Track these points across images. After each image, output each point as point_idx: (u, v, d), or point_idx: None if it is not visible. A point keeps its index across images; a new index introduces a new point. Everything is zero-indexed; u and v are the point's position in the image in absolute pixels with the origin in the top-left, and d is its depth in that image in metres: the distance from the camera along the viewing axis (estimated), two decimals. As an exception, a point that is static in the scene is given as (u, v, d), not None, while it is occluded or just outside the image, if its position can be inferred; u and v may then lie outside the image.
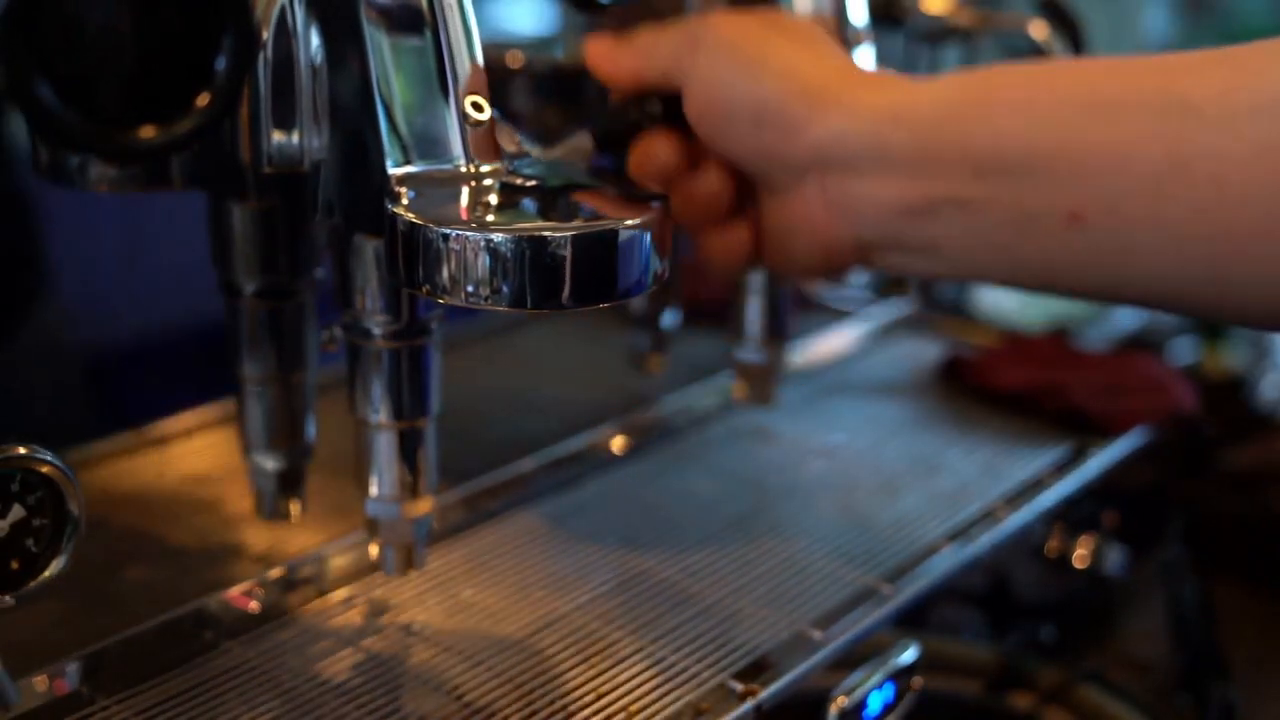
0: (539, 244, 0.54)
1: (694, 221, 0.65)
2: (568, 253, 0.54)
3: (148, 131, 0.50)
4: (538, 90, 0.88)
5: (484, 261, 0.54)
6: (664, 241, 0.58)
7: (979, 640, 0.92)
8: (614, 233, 0.55)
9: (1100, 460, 0.94)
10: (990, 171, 0.56)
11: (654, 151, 0.64)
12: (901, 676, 0.74)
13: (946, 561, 0.81)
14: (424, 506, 0.68)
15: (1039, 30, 1.05)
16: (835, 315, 1.17)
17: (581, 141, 0.66)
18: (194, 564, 0.77)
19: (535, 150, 0.63)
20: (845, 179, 0.59)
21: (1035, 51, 1.06)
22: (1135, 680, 0.90)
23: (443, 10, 0.60)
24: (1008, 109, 0.56)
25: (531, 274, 0.54)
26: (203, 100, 0.50)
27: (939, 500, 0.87)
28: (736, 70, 0.60)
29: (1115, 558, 0.96)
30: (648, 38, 0.65)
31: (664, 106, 0.65)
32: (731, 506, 0.86)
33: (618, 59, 0.65)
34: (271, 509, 0.72)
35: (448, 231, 0.54)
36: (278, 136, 0.60)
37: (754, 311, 0.89)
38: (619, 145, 0.66)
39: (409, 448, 0.66)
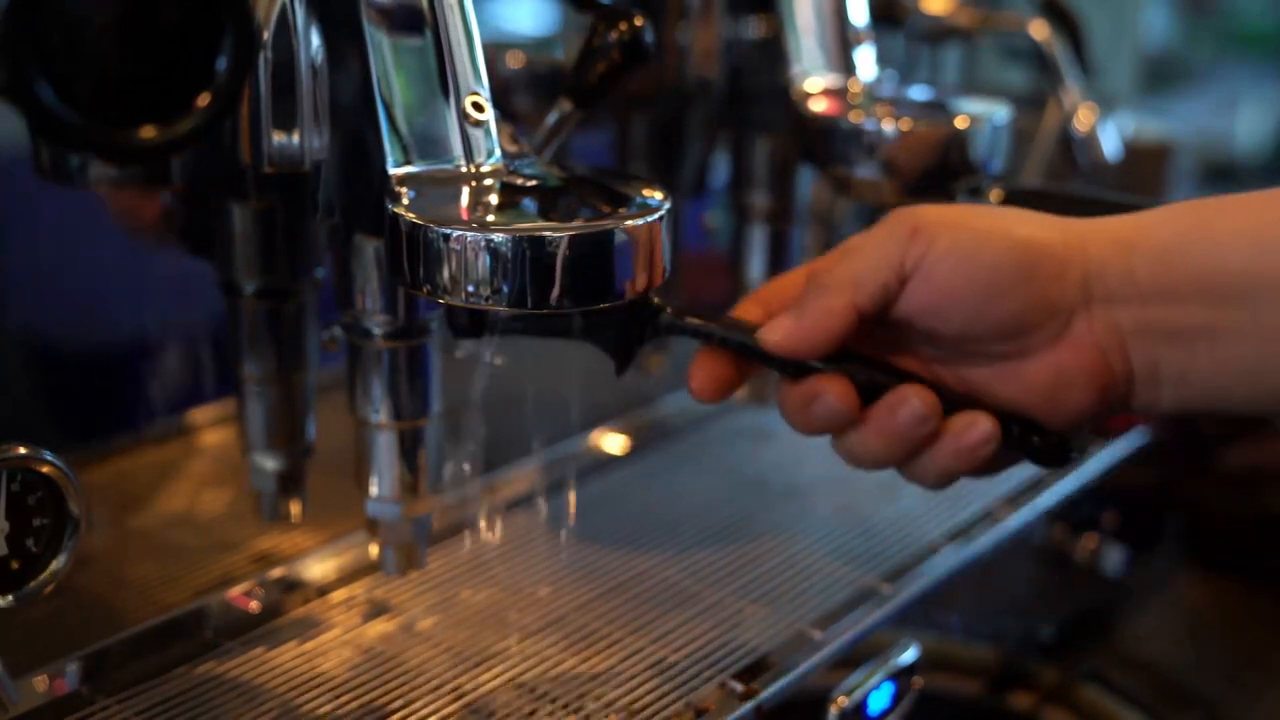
0: (539, 244, 0.54)
1: (903, 445, 0.59)
2: (568, 253, 0.54)
3: (148, 131, 0.50)
4: (537, 90, 0.88)
5: (484, 261, 0.54)
6: (664, 241, 0.58)
7: (979, 640, 0.92)
8: (614, 233, 0.55)
9: (1100, 460, 0.94)
10: (1226, 298, 0.56)
11: (827, 401, 0.59)
12: (901, 676, 0.74)
13: (946, 561, 0.81)
14: (424, 506, 0.68)
15: (1039, 30, 1.05)
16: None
17: (561, 106, 0.66)
18: (194, 564, 0.77)
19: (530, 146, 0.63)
20: (1109, 311, 0.57)
21: (1035, 51, 1.06)
22: (1135, 680, 0.90)
23: (443, 10, 0.60)
24: (1231, 234, 0.56)
25: (531, 274, 0.54)
26: (203, 100, 0.50)
27: (939, 500, 0.87)
28: (983, 238, 0.57)
29: (1115, 558, 0.96)
30: (836, 273, 0.59)
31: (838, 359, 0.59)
32: (731, 506, 0.86)
33: (814, 308, 0.59)
34: (271, 509, 0.72)
35: (448, 231, 0.54)
36: (278, 136, 0.60)
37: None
38: (596, 98, 0.65)
39: (409, 448, 0.66)
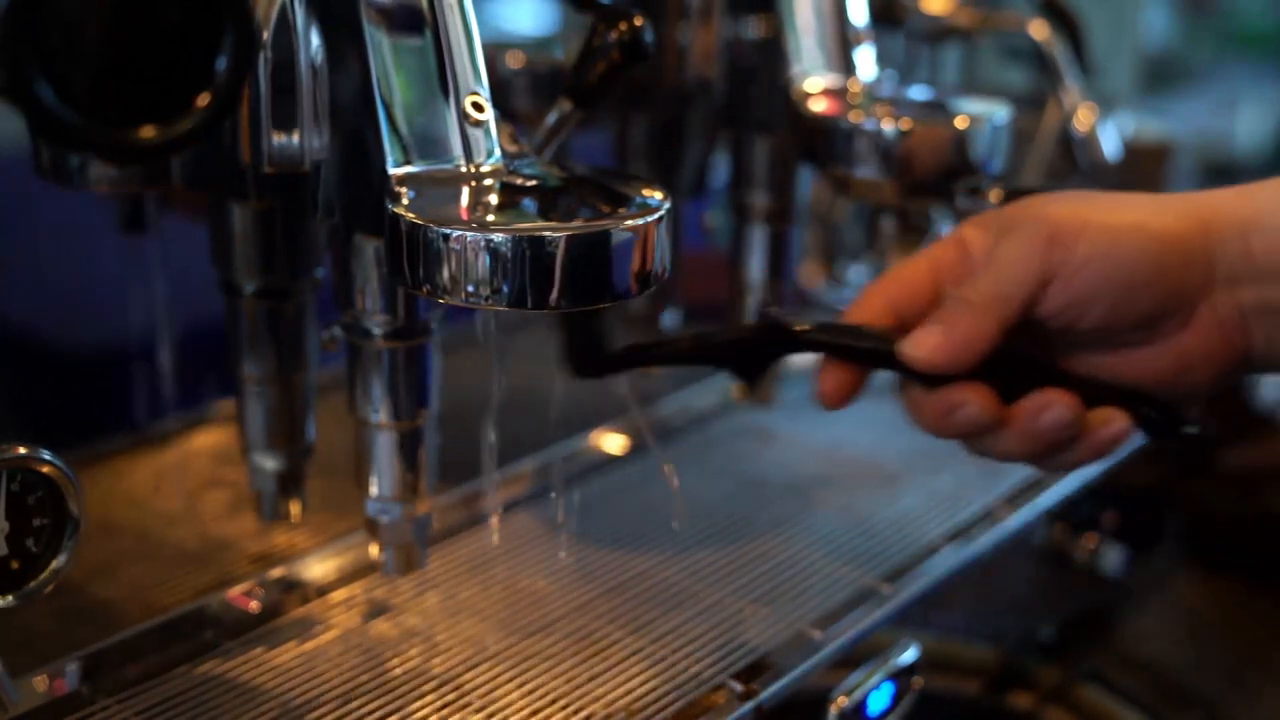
0: (538, 244, 0.54)
1: (1045, 447, 0.60)
2: (567, 253, 0.54)
3: (148, 131, 0.50)
4: (537, 90, 0.88)
5: (484, 261, 0.54)
6: (664, 241, 0.58)
7: (979, 640, 0.92)
8: (613, 233, 0.55)
9: (1100, 460, 0.94)
10: None
11: (969, 411, 0.59)
12: (901, 676, 0.74)
13: (946, 561, 0.81)
14: (424, 506, 0.68)
15: (1039, 30, 1.05)
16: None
17: (561, 106, 0.66)
18: (194, 564, 0.77)
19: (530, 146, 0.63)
20: (1232, 292, 0.58)
21: (1035, 51, 1.06)
22: (1135, 680, 0.90)
23: (443, 10, 0.60)
24: None
25: (531, 274, 0.54)
26: (203, 100, 0.50)
27: (939, 500, 0.87)
28: (1118, 238, 0.58)
29: (1115, 558, 0.96)
30: (980, 290, 0.59)
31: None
32: (731, 506, 0.86)
33: (961, 327, 0.59)
34: (271, 509, 0.72)
35: (448, 231, 0.54)
36: (278, 136, 0.60)
37: (754, 311, 0.89)
38: (596, 98, 0.66)
39: (409, 448, 0.66)
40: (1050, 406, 0.58)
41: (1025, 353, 0.60)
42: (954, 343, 0.59)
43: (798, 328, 0.62)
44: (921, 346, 0.59)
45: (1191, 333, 0.59)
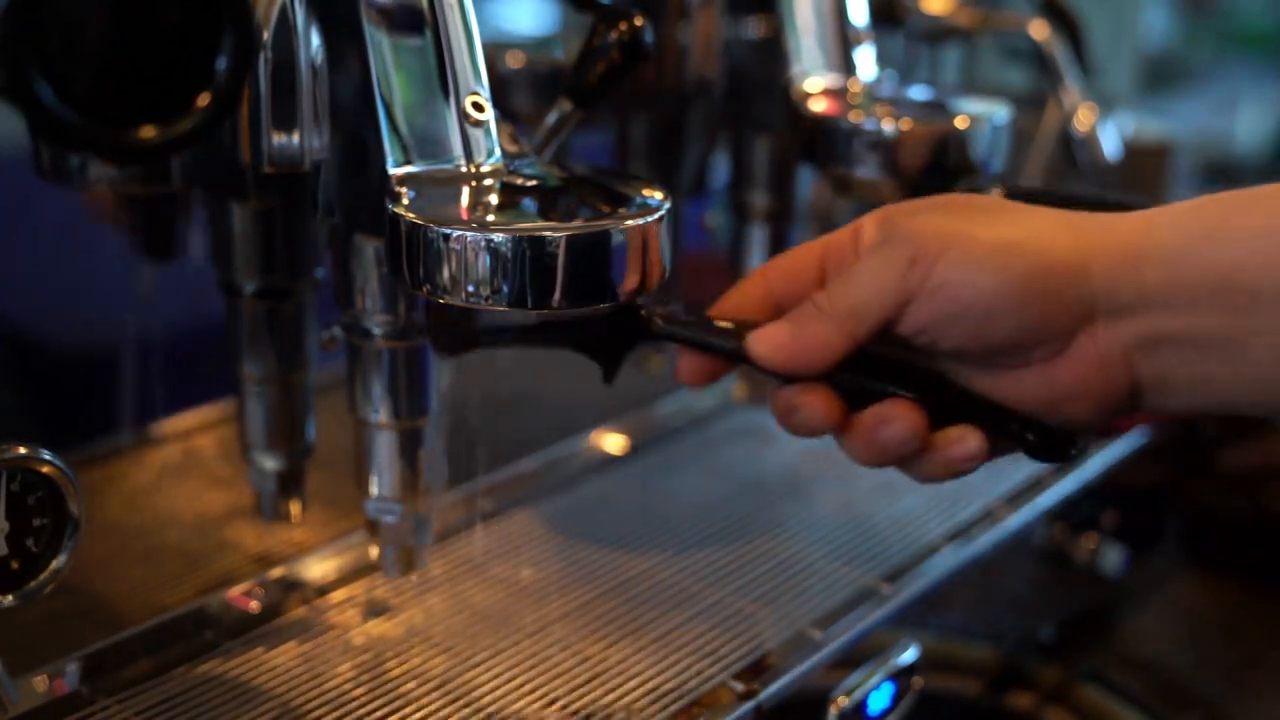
0: (539, 244, 0.54)
1: (887, 458, 0.58)
2: (567, 253, 0.54)
3: (148, 131, 0.50)
4: (537, 90, 0.88)
5: (484, 261, 0.54)
6: (664, 241, 0.58)
7: (979, 640, 0.92)
8: (613, 233, 0.55)
9: (1100, 460, 0.94)
10: (1241, 303, 0.53)
11: (806, 414, 0.58)
12: (901, 676, 0.74)
13: (946, 561, 0.81)
14: (424, 506, 0.68)
15: (1039, 30, 1.05)
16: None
17: (561, 106, 0.66)
18: (194, 564, 0.77)
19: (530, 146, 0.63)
20: (1114, 326, 0.55)
21: (1035, 51, 1.06)
22: (1135, 680, 0.90)
23: (443, 10, 0.60)
24: (1247, 237, 0.54)
25: (531, 274, 0.54)
26: (203, 100, 0.50)
27: (939, 500, 0.87)
28: (982, 261, 0.55)
29: (1115, 558, 0.96)
30: (835, 302, 0.57)
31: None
32: (731, 506, 0.86)
33: (809, 335, 0.57)
34: (271, 509, 0.72)
35: (448, 231, 0.54)
36: (278, 136, 0.60)
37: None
38: (596, 98, 0.66)
39: (409, 448, 0.66)
40: (889, 422, 0.57)
41: (897, 354, 0.59)
42: (799, 347, 0.57)
43: (646, 316, 0.61)
44: (765, 342, 0.58)
45: (1067, 362, 0.56)
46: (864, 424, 0.58)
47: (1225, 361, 0.54)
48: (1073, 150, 1.05)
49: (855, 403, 0.58)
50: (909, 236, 0.57)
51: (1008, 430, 0.58)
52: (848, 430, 0.58)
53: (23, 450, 0.58)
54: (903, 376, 0.58)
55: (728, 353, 0.60)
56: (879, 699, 0.72)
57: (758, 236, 0.89)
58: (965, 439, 0.57)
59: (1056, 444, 0.58)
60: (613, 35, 0.64)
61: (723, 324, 0.60)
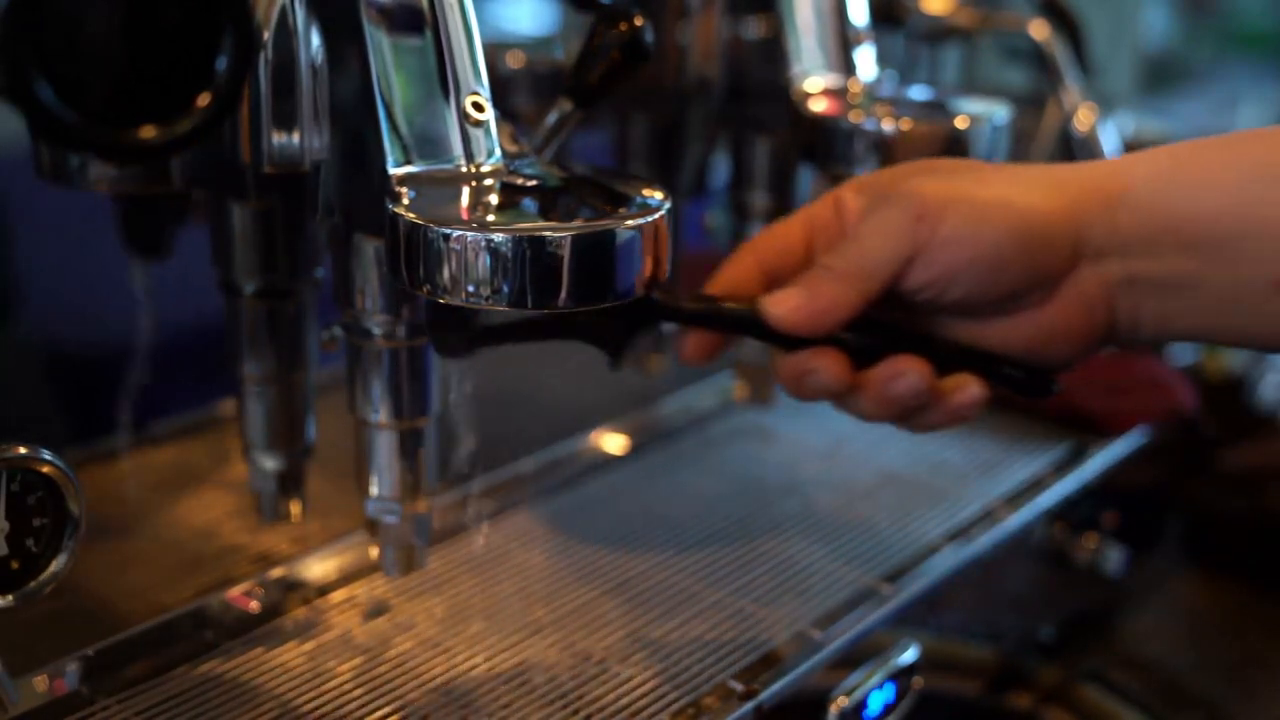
0: (539, 244, 0.54)
1: (898, 412, 0.62)
2: (567, 253, 0.54)
3: (148, 131, 0.50)
4: (537, 90, 0.88)
5: (484, 261, 0.54)
6: (664, 241, 0.58)
7: (979, 640, 0.92)
8: (614, 233, 0.55)
9: (1100, 460, 0.94)
10: (1202, 247, 0.57)
11: (819, 376, 0.60)
12: (901, 676, 0.74)
13: (946, 561, 0.81)
14: (424, 506, 0.68)
15: (1039, 30, 1.05)
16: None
17: (561, 106, 0.66)
18: (194, 564, 0.77)
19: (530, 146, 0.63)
20: (1096, 267, 0.59)
21: (1035, 51, 1.06)
22: (1135, 680, 0.90)
23: (443, 10, 0.60)
24: (1199, 186, 0.58)
25: (531, 274, 0.54)
26: (203, 100, 0.50)
27: (939, 500, 0.87)
28: (985, 216, 0.58)
29: (1115, 558, 0.96)
30: (846, 259, 0.60)
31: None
32: (731, 506, 0.86)
33: (824, 295, 0.60)
34: (271, 509, 0.72)
35: (448, 231, 0.54)
36: (278, 136, 0.60)
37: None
38: (596, 98, 0.66)
39: (409, 448, 0.66)
40: (903, 374, 0.60)
41: (888, 317, 0.61)
42: (814, 308, 0.60)
43: (661, 299, 0.62)
44: (781, 305, 0.60)
45: (1054, 306, 0.60)
46: (877, 379, 0.60)
47: (1184, 299, 0.58)
48: (1073, 150, 1.05)
49: (859, 362, 0.60)
50: (911, 196, 0.60)
51: (999, 374, 0.61)
52: (860, 386, 0.61)
53: (23, 450, 0.58)
54: (897, 334, 0.61)
55: (740, 324, 0.62)
56: (879, 699, 0.72)
57: (758, 236, 0.89)
58: (968, 386, 0.61)
59: (1041, 381, 0.62)
60: (613, 35, 0.64)
61: (725, 300, 0.62)
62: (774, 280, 0.62)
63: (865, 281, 0.59)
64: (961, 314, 0.61)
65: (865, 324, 0.60)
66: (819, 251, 0.62)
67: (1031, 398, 0.63)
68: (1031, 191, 0.59)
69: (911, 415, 0.61)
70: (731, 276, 0.64)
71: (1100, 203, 0.59)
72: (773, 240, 0.64)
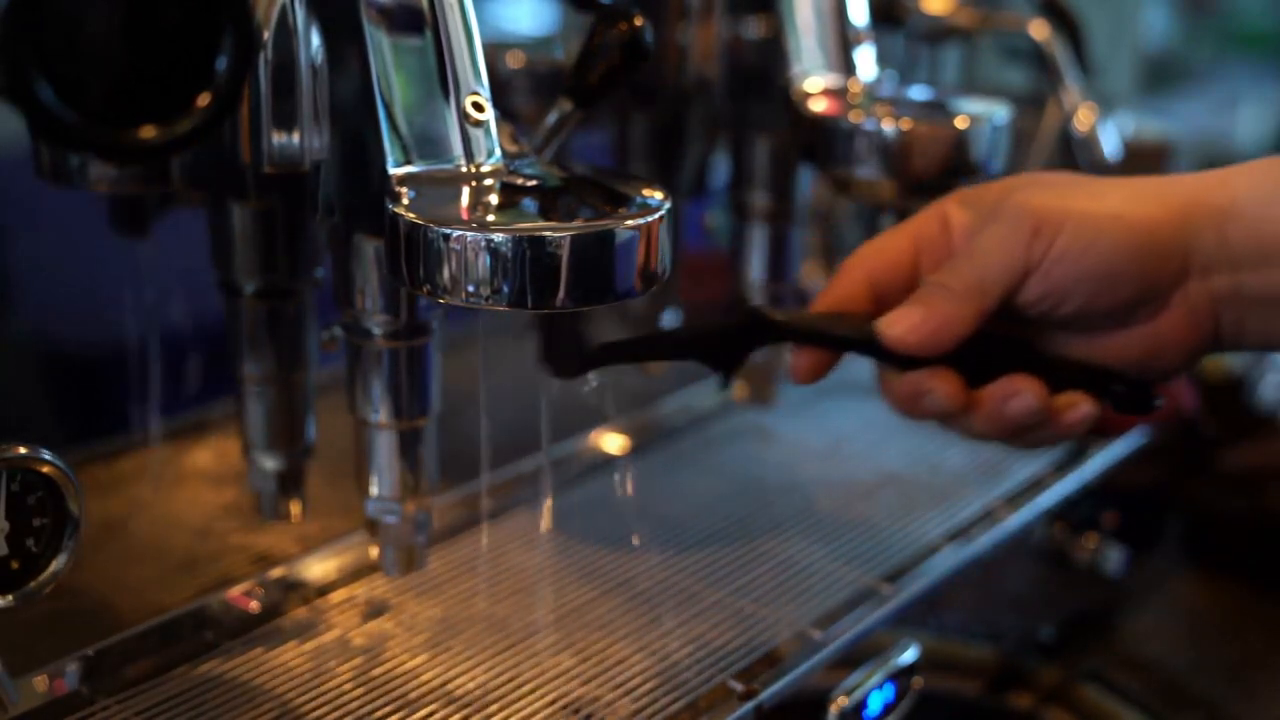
0: (539, 244, 0.54)
1: (1012, 431, 0.61)
2: (567, 253, 0.54)
3: (148, 131, 0.50)
4: (538, 90, 0.88)
5: (484, 261, 0.54)
6: (664, 241, 0.58)
7: (979, 640, 0.92)
8: (614, 233, 0.55)
9: (1100, 460, 0.94)
10: None
11: (935, 398, 0.60)
12: (901, 676, 0.74)
13: (946, 561, 0.81)
14: (424, 506, 0.68)
15: (1039, 30, 1.05)
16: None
17: (561, 106, 0.66)
18: (194, 564, 0.77)
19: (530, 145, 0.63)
20: (1205, 280, 0.59)
21: (1035, 51, 1.06)
22: (1135, 680, 0.90)
23: (443, 10, 0.60)
24: None
25: (531, 274, 0.54)
26: (203, 100, 0.50)
27: (939, 500, 0.87)
28: (1100, 229, 0.59)
29: (1115, 558, 0.96)
30: (961, 276, 0.60)
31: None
32: (731, 506, 0.86)
33: (941, 313, 0.60)
34: (271, 509, 0.72)
35: (448, 231, 0.54)
36: (278, 136, 0.60)
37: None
38: (596, 98, 0.66)
39: (409, 448, 0.66)
40: (1018, 394, 0.60)
41: (998, 332, 0.61)
42: (931, 327, 0.60)
43: (776, 318, 0.62)
44: (898, 325, 0.60)
45: (1165, 318, 0.60)
46: (991, 399, 0.60)
47: None
48: (1073, 150, 1.05)
49: (971, 381, 0.60)
50: (1024, 211, 0.60)
51: (1105, 389, 0.61)
52: (974, 406, 0.61)
53: (23, 450, 0.58)
54: (1008, 350, 0.61)
55: (854, 344, 0.62)
56: (879, 699, 0.72)
57: (758, 236, 0.89)
58: (1079, 405, 0.61)
59: (1144, 398, 0.62)
60: (613, 35, 0.64)
61: (844, 318, 0.62)
62: (882, 296, 0.62)
63: (981, 299, 0.60)
64: (1073, 328, 0.61)
65: (976, 341, 0.60)
66: (925, 268, 0.62)
67: (1133, 414, 0.63)
68: (1143, 205, 0.59)
69: (1024, 434, 0.61)
70: (840, 293, 0.64)
71: (1208, 215, 0.59)
72: (882, 256, 0.64)
